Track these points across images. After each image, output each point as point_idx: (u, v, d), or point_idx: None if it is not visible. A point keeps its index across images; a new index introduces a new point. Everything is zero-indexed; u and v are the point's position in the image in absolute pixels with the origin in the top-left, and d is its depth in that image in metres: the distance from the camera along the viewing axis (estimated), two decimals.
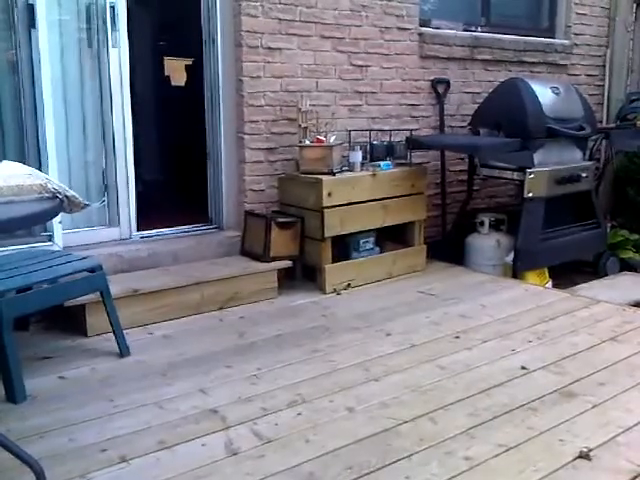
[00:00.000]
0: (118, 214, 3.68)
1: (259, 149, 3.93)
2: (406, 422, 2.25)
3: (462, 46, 4.83)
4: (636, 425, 2.23)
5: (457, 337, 3.07)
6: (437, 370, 2.69)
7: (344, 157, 3.99)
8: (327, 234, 3.72)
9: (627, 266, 4.83)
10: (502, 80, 4.70)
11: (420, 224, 4.22)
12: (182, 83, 5.04)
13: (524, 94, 4.26)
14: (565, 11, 5.57)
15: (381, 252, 4.05)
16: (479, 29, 5.07)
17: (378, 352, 2.88)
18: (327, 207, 3.69)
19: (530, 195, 4.17)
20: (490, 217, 4.46)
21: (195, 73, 4.52)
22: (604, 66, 5.89)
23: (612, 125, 5.48)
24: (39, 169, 3.02)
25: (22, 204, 1.94)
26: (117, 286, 3.08)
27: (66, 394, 2.47)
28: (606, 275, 4.67)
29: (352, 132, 4.16)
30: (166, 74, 5.15)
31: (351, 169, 3.93)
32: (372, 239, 4.00)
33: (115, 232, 3.68)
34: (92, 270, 2.78)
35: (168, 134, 5.47)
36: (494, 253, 4.36)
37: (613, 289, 4.26)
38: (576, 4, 5.57)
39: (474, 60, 4.93)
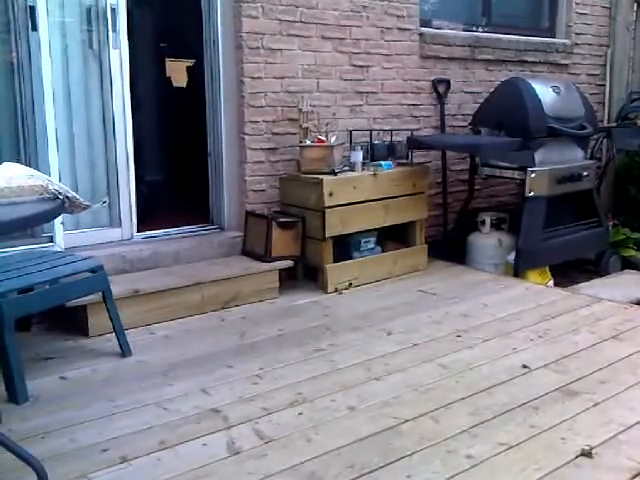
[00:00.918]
0: (120, 215, 3.69)
1: (260, 149, 3.93)
2: (407, 421, 2.25)
3: (463, 46, 4.83)
4: (638, 423, 2.22)
5: (458, 336, 3.08)
6: (438, 369, 2.69)
7: (345, 157, 4.00)
8: (328, 234, 3.73)
9: (629, 264, 4.82)
10: (503, 80, 4.71)
11: (421, 224, 4.22)
12: (183, 84, 5.04)
13: (525, 93, 4.26)
14: (566, 11, 5.57)
15: (382, 252, 4.05)
16: (480, 29, 5.07)
17: (379, 351, 2.88)
18: (328, 207, 3.69)
19: (531, 194, 4.17)
20: (491, 216, 4.46)
21: (196, 74, 4.53)
22: (605, 65, 5.89)
23: (613, 124, 5.48)
24: (40, 171, 3.02)
25: (23, 205, 1.94)
26: (118, 286, 3.09)
27: (68, 394, 2.47)
28: (608, 274, 4.66)
29: (353, 132, 4.17)
30: (167, 75, 5.16)
31: (352, 169, 3.93)
32: (373, 239, 4.00)
33: (117, 233, 3.69)
34: (93, 271, 2.78)
35: (169, 135, 5.48)
36: (495, 252, 4.36)
37: (615, 287, 4.25)
38: (577, 4, 5.56)
39: (475, 60, 4.92)
